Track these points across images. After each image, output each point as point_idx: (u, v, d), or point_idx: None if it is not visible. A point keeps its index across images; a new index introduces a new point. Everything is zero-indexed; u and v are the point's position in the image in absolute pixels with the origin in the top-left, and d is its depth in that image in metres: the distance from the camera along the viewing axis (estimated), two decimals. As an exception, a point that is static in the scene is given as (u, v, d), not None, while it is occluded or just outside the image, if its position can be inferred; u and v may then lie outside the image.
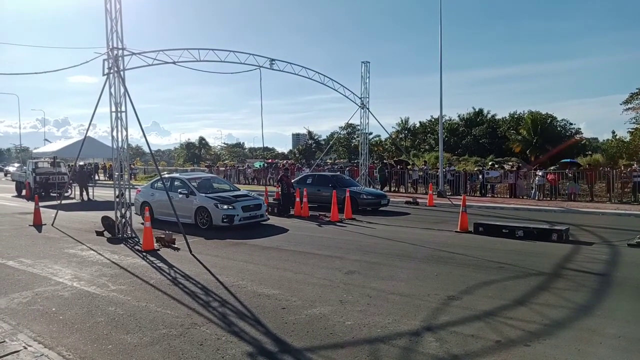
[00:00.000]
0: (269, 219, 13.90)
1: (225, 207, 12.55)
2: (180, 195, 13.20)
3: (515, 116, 49.44)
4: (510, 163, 33.41)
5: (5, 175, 45.61)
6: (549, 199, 19.92)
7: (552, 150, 38.85)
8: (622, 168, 20.92)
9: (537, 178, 20.66)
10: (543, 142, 41.24)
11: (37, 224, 13.58)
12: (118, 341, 5.02)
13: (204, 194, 13.10)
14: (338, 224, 13.86)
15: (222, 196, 13.10)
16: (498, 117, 52.43)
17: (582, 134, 47.21)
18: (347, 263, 8.56)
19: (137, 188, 15.96)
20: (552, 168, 24.26)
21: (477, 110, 53.73)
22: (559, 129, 45.15)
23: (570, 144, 41.18)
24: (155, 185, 14.40)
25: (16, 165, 42.72)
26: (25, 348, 4.82)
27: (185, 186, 13.48)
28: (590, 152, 40.95)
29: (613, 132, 38.81)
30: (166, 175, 16.40)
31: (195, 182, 13.82)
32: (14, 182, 27.42)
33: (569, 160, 29.33)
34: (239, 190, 14.96)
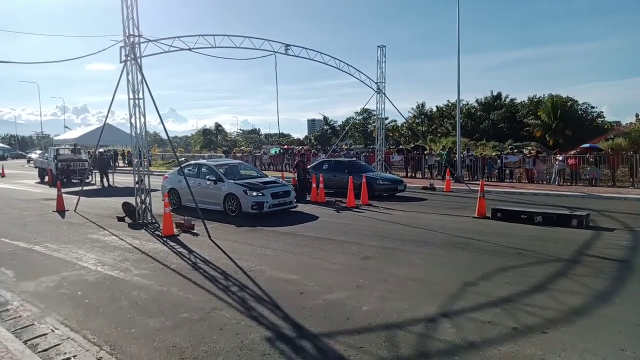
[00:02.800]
0: (297, 206, 13.78)
1: (255, 194, 12.41)
2: (208, 182, 13.16)
3: (535, 100, 48.43)
4: (529, 147, 32.84)
5: (28, 162, 46.65)
6: (569, 184, 19.59)
7: (571, 134, 37.99)
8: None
9: (557, 163, 20.30)
10: (563, 127, 40.37)
11: (60, 210, 13.92)
12: (141, 325, 5.17)
13: (232, 181, 12.99)
14: (354, 209, 13.89)
15: (251, 183, 12.96)
16: (517, 101, 51.47)
17: (604, 117, 46.09)
18: (364, 248, 8.60)
19: (164, 175, 16.15)
20: (572, 153, 23.79)
21: (495, 94, 52.80)
22: (579, 112, 44.12)
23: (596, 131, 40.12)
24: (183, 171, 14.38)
25: (38, 152, 43.58)
26: (53, 331, 5.00)
27: (213, 172, 13.37)
28: (612, 136, 39.97)
29: (637, 115, 37.73)
30: (192, 162, 16.52)
31: (222, 169, 13.65)
32: (37, 169, 28.06)
33: (589, 145, 28.69)
34: (267, 176, 14.84)
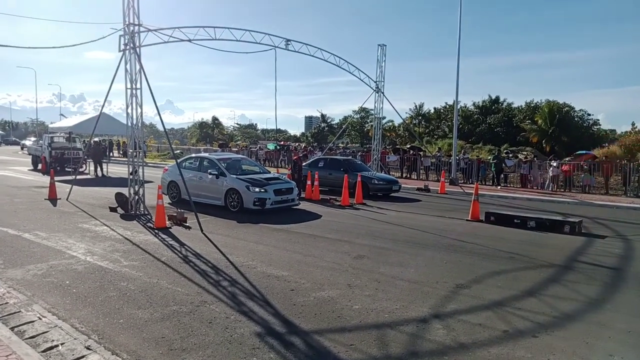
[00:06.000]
0: (299, 203, 13.62)
1: (257, 190, 12.19)
2: (210, 176, 12.94)
3: (532, 105, 48.63)
4: (525, 153, 32.97)
5: (22, 148, 46.27)
6: (562, 190, 19.67)
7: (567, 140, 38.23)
8: (640, 161, 20.49)
9: (551, 169, 20.38)
10: (559, 133, 40.53)
11: (52, 198, 13.80)
12: (129, 316, 5.12)
13: (234, 176, 12.74)
14: (348, 208, 13.86)
15: (254, 179, 12.71)
16: (514, 105, 51.67)
17: (599, 125, 46.35)
18: (356, 247, 8.58)
19: (161, 167, 16.02)
20: (567, 159, 23.89)
21: (493, 98, 52.96)
22: (576, 119, 44.34)
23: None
24: (183, 164, 14.00)
25: (32, 139, 43.23)
26: (40, 319, 4.93)
27: (215, 166, 13.13)
28: (607, 144, 40.16)
29: (633, 124, 37.94)
30: (194, 155, 16.36)
31: (224, 163, 13.38)
32: (30, 156, 27.82)
33: (584, 152, 28.83)
34: (269, 172, 14.67)
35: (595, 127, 45.47)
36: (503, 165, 21.65)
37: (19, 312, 5.12)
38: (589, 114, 45.39)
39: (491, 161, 22.35)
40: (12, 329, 4.64)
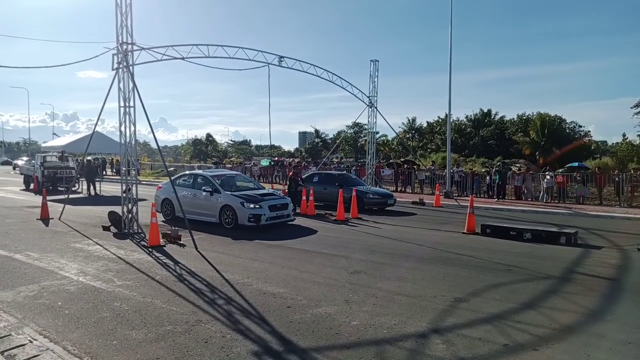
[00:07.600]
0: (295, 219, 13.55)
1: (252, 206, 12.14)
2: (204, 193, 12.87)
3: (524, 118, 49.16)
4: (518, 165, 33.19)
5: (14, 168, 45.94)
6: (557, 201, 19.75)
7: (559, 152, 38.67)
8: (632, 172, 20.68)
9: (545, 180, 20.49)
10: (551, 144, 40.94)
11: (45, 218, 13.64)
12: (123, 337, 5.01)
13: (229, 192, 12.69)
14: (344, 223, 13.81)
15: (248, 195, 12.70)
16: (506, 118, 52.23)
17: (590, 136, 46.90)
18: (353, 262, 8.51)
19: (155, 184, 15.90)
20: (560, 171, 24.04)
21: (485, 111, 53.50)
22: (567, 131, 44.86)
23: (577, 146, 40.87)
24: (177, 181, 13.90)
25: (25, 158, 42.95)
26: (31, 342, 4.81)
27: (209, 183, 13.07)
28: (599, 155, 40.59)
29: (624, 135, 38.51)
30: (188, 172, 16.29)
31: (219, 180, 13.31)
32: (22, 176, 27.60)
33: (577, 164, 29.05)
34: (264, 188, 14.61)
35: (586, 138, 45.98)
36: (507, 177, 21.55)
37: (9, 335, 4.99)
38: (580, 126, 46.03)
39: (494, 170, 21.94)
40: (2, 353, 4.52)
